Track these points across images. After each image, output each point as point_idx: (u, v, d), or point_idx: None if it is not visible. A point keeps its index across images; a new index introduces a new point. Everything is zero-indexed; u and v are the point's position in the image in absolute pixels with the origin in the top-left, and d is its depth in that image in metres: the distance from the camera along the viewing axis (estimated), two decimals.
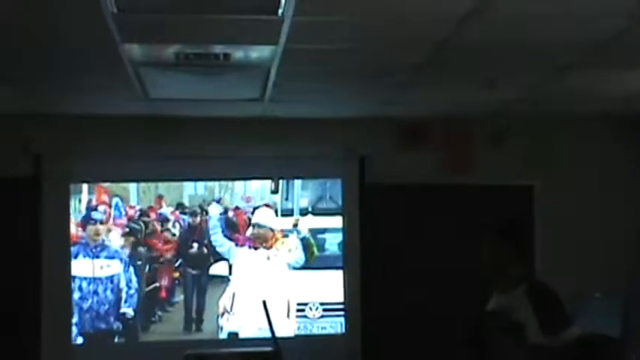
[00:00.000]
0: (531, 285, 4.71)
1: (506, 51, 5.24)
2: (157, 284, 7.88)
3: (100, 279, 7.67)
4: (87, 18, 4.55)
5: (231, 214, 8.00)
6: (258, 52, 5.33)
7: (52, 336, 7.31)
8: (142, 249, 7.86)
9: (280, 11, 4.48)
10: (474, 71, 5.83)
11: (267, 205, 7.99)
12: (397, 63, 5.60)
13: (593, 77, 6.09)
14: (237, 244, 7.90)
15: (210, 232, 7.88)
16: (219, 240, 7.87)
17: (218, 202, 7.98)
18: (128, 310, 7.74)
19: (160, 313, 7.91)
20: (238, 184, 8.11)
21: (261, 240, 7.91)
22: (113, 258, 7.73)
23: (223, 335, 7.85)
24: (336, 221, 8.04)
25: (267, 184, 8.03)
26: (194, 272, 7.94)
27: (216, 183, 8.05)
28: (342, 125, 7.50)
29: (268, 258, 7.90)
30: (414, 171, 7.61)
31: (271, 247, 7.92)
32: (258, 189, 8.13)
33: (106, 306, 7.70)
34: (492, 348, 4.00)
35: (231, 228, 7.96)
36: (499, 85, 6.16)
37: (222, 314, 7.86)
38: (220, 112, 7.28)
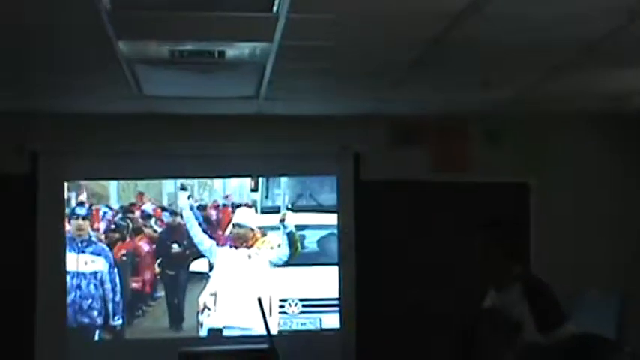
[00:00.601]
0: (527, 282, 4.70)
1: (502, 49, 5.23)
2: (141, 279, 7.91)
3: (84, 274, 7.68)
4: (81, 15, 4.54)
5: (214, 212, 8.03)
6: (253, 50, 5.32)
7: (47, 335, 7.28)
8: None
9: (275, 8, 4.48)
10: (470, 69, 5.83)
11: (247, 205, 8.04)
12: (392, 60, 5.59)
13: (589, 75, 6.10)
14: (218, 244, 7.93)
15: (187, 225, 7.89)
16: (198, 235, 7.89)
17: (183, 189, 7.99)
18: (117, 323, 7.76)
19: (143, 307, 7.95)
20: (217, 183, 8.14)
21: (242, 240, 7.94)
22: (99, 255, 7.75)
23: (203, 332, 7.87)
24: (316, 218, 8.09)
25: (247, 182, 8.08)
26: (174, 272, 7.96)
27: (195, 181, 8.07)
28: (336, 122, 7.48)
29: (249, 256, 7.94)
30: (409, 168, 7.61)
31: (252, 246, 7.96)
32: (236, 187, 8.16)
33: (89, 300, 7.71)
34: (484, 346, 3.99)
35: (213, 226, 7.99)
36: (493, 84, 6.16)
37: (202, 310, 7.88)
38: (215, 109, 7.26)
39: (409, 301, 7.41)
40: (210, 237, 7.92)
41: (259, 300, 5.93)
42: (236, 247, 7.94)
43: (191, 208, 7.91)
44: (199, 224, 7.92)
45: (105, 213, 7.89)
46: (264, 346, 5.99)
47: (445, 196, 7.59)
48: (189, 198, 7.95)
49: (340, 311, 7.79)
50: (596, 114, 7.57)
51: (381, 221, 7.60)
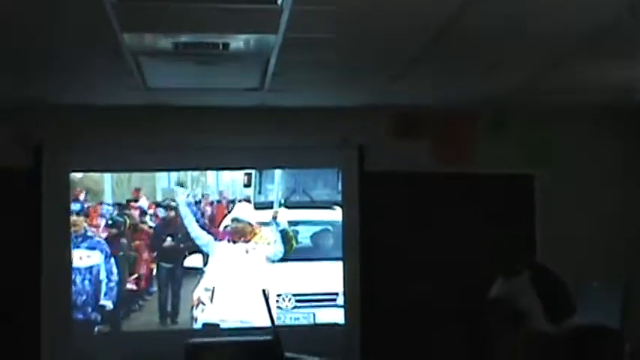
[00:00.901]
0: (536, 271, 4.70)
1: (506, 39, 5.23)
2: (137, 274, 7.94)
3: (78, 269, 7.68)
4: (86, 7, 4.53)
5: (208, 208, 8.05)
6: (258, 42, 5.32)
7: (52, 329, 7.27)
8: (124, 240, 7.90)
9: (280, 0, 4.48)
10: (474, 60, 5.83)
11: (245, 200, 8.08)
12: (396, 52, 5.60)
13: (593, 67, 6.10)
14: (216, 239, 7.94)
15: (184, 221, 7.89)
16: (195, 231, 7.91)
17: (181, 185, 8.02)
18: (107, 303, 7.77)
19: (140, 302, 7.98)
20: (210, 179, 8.16)
21: (240, 234, 7.96)
22: (94, 249, 7.75)
23: (198, 327, 7.88)
24: (309, 214, 8.09)
25: (240, 177, 8.11)
26: (168, 265, 7.98)
27: (189, 176, 8.09)
28: (340, 114, 7.44)
29: (247, 251, 7.96)
30: (412, 159, 7.58)
31: (249, 240, 7.97)
32: (229, 182, 8.18)
33: (84, 296, 7.72)
34: (490, 336, 4.00)
35: (210, 221, 8.01)
36: (496, 74, 6.16)
37: (197, 305, 7.90)
38: (219, 101, 7.25)
39: (414, 293, 7.36)
40: (208, 232, 7.94)
41: (264, 292, 5.94)
42: (234, 242, 7.96)
43: (188, 205, 7.93)
44: (197, 220, 7.95)
45: (103, 209, 7.91)
46: (268, 337, 6.00)
47: (450, 188, 7.55)
48: (188, 196, 7.98)
49: (345, 305, 7.78)
50: (600, 106, 7.56)
51: (385, 214, 7.57)
